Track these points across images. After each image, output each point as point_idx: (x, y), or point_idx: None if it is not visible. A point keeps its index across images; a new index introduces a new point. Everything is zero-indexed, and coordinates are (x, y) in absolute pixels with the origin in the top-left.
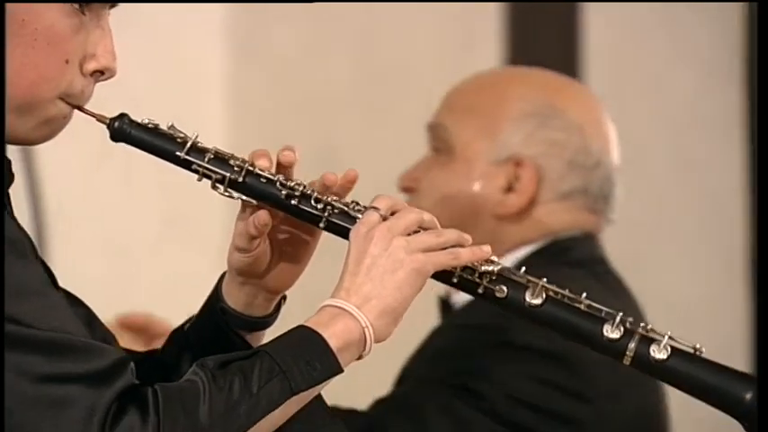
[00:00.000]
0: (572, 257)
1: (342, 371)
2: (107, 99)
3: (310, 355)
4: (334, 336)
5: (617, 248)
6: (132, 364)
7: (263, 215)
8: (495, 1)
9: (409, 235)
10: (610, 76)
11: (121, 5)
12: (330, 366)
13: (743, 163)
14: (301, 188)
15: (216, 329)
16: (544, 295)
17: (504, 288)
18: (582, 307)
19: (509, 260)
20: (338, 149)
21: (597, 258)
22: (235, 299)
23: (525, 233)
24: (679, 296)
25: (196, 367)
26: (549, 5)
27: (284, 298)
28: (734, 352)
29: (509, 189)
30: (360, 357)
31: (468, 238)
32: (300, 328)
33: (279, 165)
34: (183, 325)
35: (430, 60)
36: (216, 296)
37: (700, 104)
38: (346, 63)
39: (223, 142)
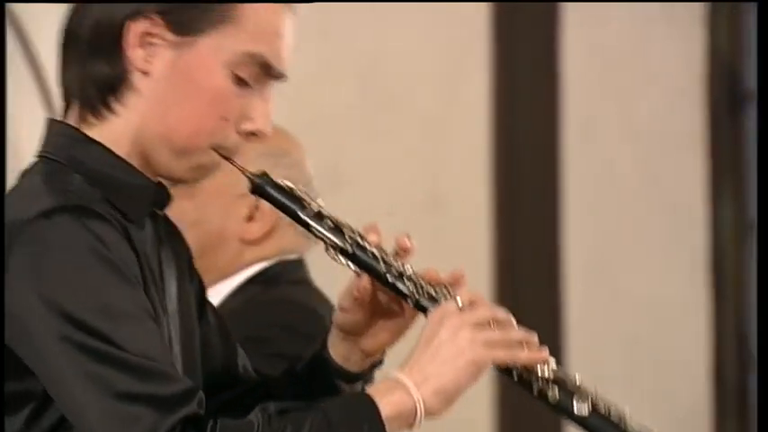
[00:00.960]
0: (297, 276)
1: None
2: None
3: (360, 418)
4: (387, 404)
5: (592, 254)
6: (201, 395)
7: (364, 282)
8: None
9: (480, 326)
10: (585, 99)
11: None
12: (376, 430)
13: (705, 175)
14: (400, 268)
15: (320, 372)
16: (590, 406)
17: (557, 393)
18: (627, 425)
19: (244, 275)
20: (343, 166)
21: (309, 277)
22: (335, 351)
23: (264, 252)
24: (647, 295)
25: (258, 410)
26: (531, 41)
27: (381, 361)
28: (696, 344)
29: (251, 218)
30: (409, 428)
31: (533, 338)
32: (361, 392)
33: (397, 246)
34: (296, 362)
35: (427, 87)
36: (322, 343)
37: (665, 121)
38: (352, 89)
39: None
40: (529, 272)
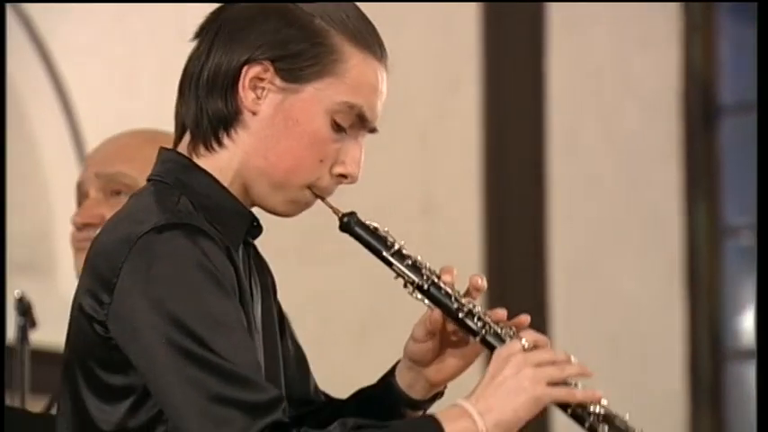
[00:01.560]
0: None
1: None
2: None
3: None
4: (453, 430)
5: (576, 257)
6: (286, 404)
7: (436, 316)
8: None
9: (541, 366)
10: (568, 114)
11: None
12: None
13: (680, 184)
14: (470, 307)
15: (386, 397)
16: None
17: (606, 428)
18: None
19: None
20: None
21: None
22: (401, 378)
23: None
24: (627, 295)
25: (338, 423)
26: (519, 60)
27: (442, 393)
28: (672, 340)
29: None
30: None
31: (588, 371)
32: (430, 416)
33: (470, 285)
34: (366, 387)
35: (421, 100)
36: (391, 371)
37: (643, 134)
38: None
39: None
40: (517, 274)
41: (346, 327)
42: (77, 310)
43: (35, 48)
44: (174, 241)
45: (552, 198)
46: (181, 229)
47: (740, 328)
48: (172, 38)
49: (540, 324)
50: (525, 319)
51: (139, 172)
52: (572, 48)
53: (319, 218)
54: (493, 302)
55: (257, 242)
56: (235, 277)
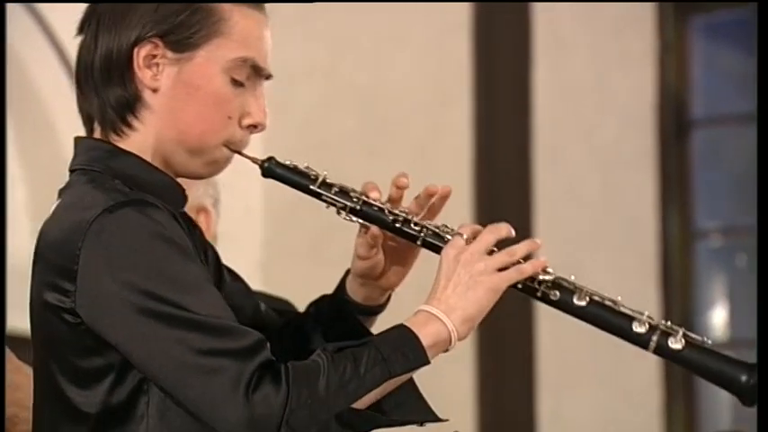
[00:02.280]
0: None
1: (429, 362)
2: None
3: (406, 349)
4: (426, 335)
5: (559, 258)
6: (269, 344)
7: (375, 231)
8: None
9: (490, 253)
10: (552, 127)
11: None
12: (420, 358)
13: (655, 191)
14: (404, 215)
15: (340, 313)
16: (587, 298)
17: (557, 293)
18: (616, 308)
19: None
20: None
21: None
22: (355, 294)
23: None
24: (607, 291)
25: (320, 350)
26: (507, 78)
27: (390, 295)
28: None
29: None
30: (446, 351)
31: (536, 244)
32: (401, 326)
33: (394, 187)
34: (311, 305)
35: (417, 116)
36: (341, 288)
37: (621, 145)
38: (353, 118)
39: (258, 176)
40: None
41: None
42: (41, 306)
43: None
44: (127, 217)
45: (537, 204)
46: (130, 206)
47: (710, 322)
48: None
49: (527, 319)
50: (434, 188)
51: None
52: (555, 67)
53: (329, 220)
54: None
55: (269, 244)
56: (188, 239)
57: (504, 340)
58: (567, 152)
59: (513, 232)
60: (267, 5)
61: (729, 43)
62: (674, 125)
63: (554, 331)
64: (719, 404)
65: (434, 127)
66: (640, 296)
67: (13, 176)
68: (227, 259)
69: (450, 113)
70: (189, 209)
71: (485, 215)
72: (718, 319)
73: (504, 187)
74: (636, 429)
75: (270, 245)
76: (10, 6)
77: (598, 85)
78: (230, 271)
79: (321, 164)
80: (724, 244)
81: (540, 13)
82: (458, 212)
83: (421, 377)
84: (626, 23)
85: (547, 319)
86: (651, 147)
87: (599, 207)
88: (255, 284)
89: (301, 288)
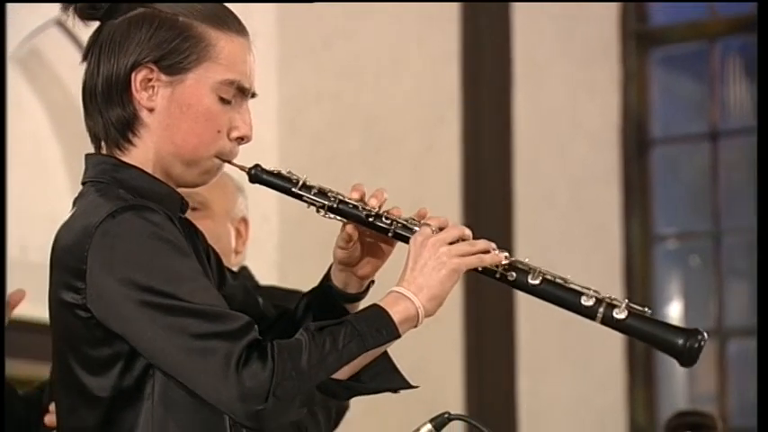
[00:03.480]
0: (249, 277)
1: (400, 337)
2: None
3: (379, 325)
4: (397, 313)
5: (537, 258)
6: (256, 326)
7: (351, 228)
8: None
9: (452, 244)
10: (530, 146)
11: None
12: (392, 333)
13: (619, 201)
14: (375, 211)
15: (326, 298)
16: (540, 278)
17: (514, 274)
18: (567, 285)
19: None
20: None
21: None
22: (337, 281)
23: (238, 260)
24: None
25: (302, 329)
26: (491, 102)
27: (372, 282)
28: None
29: (238, 236)
30: (415, 326)
31: (492, 244)
32: (375, 305)
33: (373, 195)
34: (303, 296)
35: (412, 136)
36: (327, 277)
37: (589, 161)
38: (356, 138)
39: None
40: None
41: None
42: (59, 304)
43: None
44: (128, 221)
45: (517, 211)
46: (131, 210)
47: (668, 315)
48: None
49: (508, 310)
50: (425, 211)
51: (207, 191)
52: (532, 93)
53: (337, 225)
54: (468, 291)
55: (284, 247)
56: (185, 239)
57: (489, 328)
58: (543, 167)
59: (469, 233)
60: (280, 39)
61: (683, 73)
62: (636, 144)
63: (532, 321)
64: (676, 386)
65: (428, 144)
66: (606, 292)
67: (61, 189)
68: (247, 260)
69: (441, 133)
70: (232, 220)
71: (472, 221)
72: (674, 312)
73: (489, 197)
74: (603, 407)
75: (284, 247)
76: (50, 31)
77: (570, 109)
78: (231, 272)
79: (329, 177)
80: (679, 247)
81: (519, 46)
82: (449, 218)
83: (417, 363)
84: (594, 55)
85: (525, 310)
86: (616, 162)
87: (570, 215)
88: (272, 282)
89: (313, 284)
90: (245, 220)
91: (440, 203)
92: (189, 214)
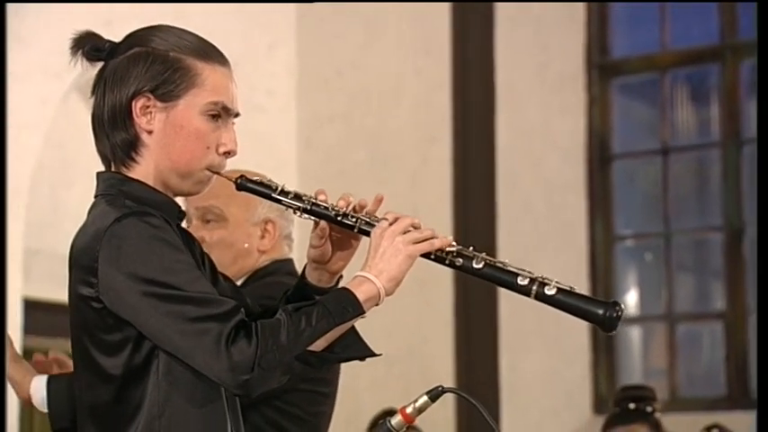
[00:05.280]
0: (287, 269)
1: (364, 312)
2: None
3: (346, 304)
4: (361, 293)
5: (517, 255)
6: (243, 310)
7: (323, 225)
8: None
9: (406, 233)
10: (510, 160)
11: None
12: (357, 310)
13: (586, 207)
14: (343, 211)
15: (302, 292)
16: (483, 263)
17: (461, 260)
18: (505, 267)
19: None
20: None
21: (295, 269)
22: (311, 278)
23: (270, 255)
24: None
25: (281, 310)
26: (477, 122)
27: (341, 277)
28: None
29: (263, 236)
30: (377, 305)
31: (436, 232)
32: (342, 288)
33: (341, 198)
34: (285, 290)
35: (411, 151)
36: (303, 275)
37: (561, 173)
38: (362, 153)
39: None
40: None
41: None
42: (77, 298)
43: None
44: (132, 224)
45: (500, 216)
46: (134, 216)
47: (626, 302)
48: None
49: (493, 301)
50: (364, 202)
51: (224, 204)
52: (512, 116)
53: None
54: (457, 283)
55: (297, 248)
56: (181, 240)
57: (475, 314)
58: (521, 177)
59: (419, 223)
60: (299, 70)
61: (639, 98)
62: (599, 158)
63: (511, 307)
64: (633, 362)
65: (423, 159)
66: (575, 283)
67: None
68: None
69: (434, 149)
70: (255, 224)
71: (461, 224)
72: (631, 299)
73: (475, 203)
74: (571, 379)
75: (298, 249)
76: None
77: (543, 129)
78: (224, 275)
79: (340, 186)
80: (635, 245)
81: (501, 75)
82: (442, 222)
83: (415, 344)
84: (564, 83)
85: (506, 298)
86: (582, 174)
87: (544, 218)
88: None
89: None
90: (270, 221)
91: (433, 209)
92: (204, 226)
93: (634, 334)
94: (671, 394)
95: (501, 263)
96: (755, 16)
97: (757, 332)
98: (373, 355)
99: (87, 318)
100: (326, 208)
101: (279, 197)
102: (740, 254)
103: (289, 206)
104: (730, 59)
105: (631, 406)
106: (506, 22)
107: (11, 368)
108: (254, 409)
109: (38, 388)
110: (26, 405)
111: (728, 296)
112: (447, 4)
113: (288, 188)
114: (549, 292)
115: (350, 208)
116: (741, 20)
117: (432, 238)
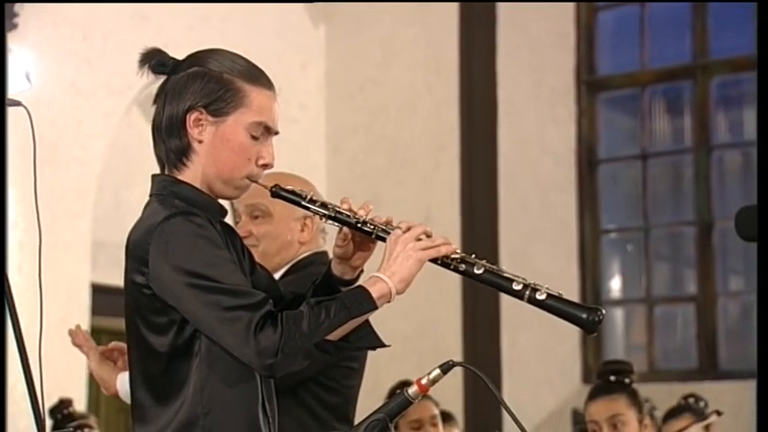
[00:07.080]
0: (323, 260)
1: (377, 308)
2: None
3: (362, 300)
4: (375, 291)
5: (516, 248)
6: (271, 301)
7: (345, 230)
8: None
9: (418, 240)
10: (512, 166)
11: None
12: (371, 305)
13: (576, 205)
14: (363, 219)
15: (328, 285)
16: (483, 269)
17: (463, 266)
18: (502, 274)
19: (299, 258)
20: (378, 203)
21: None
22: (336, 271)
23: (309, 247)
24: (545, 270)
25: (304, 303)
26: (479, 131)
27: (362, 271)
28: (571, 292)
29: (302, 229)
30: (389, 302)
31: (448, 240)
32: (359, 286)
33: (361, 208)
34: (312, 283)
35: (423, 157)
36: (328, 269)
37: (554, 175)
38: (383, 158)
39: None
40: (480, 257)
41: (394, 330)
42: (131, 284)
43: None
44: (178, 223)
45: (501, 214)
46: (181, 215)
47: (611, 287)
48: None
49: (494, 290)
50: (390, 218)
51: (270, 202)
52: (512, 126)
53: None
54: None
55: None
56: (222, 237)
57: (479, 299)
58: (519, 180)
59: (431, 231)
60: (328, 86)
61: (622, 111)
62: (588, 162)
63: (510, 299)
64: (617, 339)
65: (434, 164)
66: (567, 272)
67: None
68: None
69: (444, 156)
70: (296, 219)
71: (467, 222)
72: (615, 285)
73: (480, 203)
74: (564, 354)
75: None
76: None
77: (540, 137)
78: (261, 266)
79: (363, 188)
80: (619, 238)
81: (502, 91)
82: (451, 218)
83: (428, 324)
84: (557, 97)
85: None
86: (573, 176)
87: (540, 215)
88: None
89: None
90: (308, 217)
91: (444, 207)
92: (252, 221)
93: (617, 315)
94: (649, 367)
95: (499, 269)
96: (755, 22)
97: (757, 313)
98: (383, 345)
99: (139, 301)
100: (348, 216)
101: (307, 204)
102: (710, 245)
103: (316, 213)
104: (701, 77)
105: (612, 378)
106: (507, 44)
107: (99, 369)
108: (300, 384)
109: (123, 382)
110: (114, 398)
111: (699, 282)
112: (455, 29)
113: (315, 197)
114: (540, 296)
115: (369, 216)
116: (711, 42)
117: (440, 245)
